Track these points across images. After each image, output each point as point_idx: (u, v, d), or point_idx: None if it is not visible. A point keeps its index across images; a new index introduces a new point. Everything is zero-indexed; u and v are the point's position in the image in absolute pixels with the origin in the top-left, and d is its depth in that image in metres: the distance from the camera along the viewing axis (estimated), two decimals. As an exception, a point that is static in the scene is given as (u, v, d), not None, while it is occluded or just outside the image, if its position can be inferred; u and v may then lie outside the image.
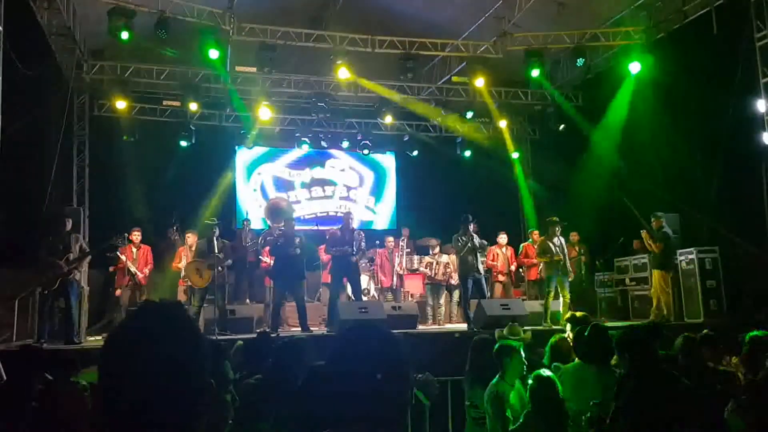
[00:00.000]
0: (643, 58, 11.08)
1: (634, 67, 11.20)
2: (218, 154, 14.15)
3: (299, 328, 9.34)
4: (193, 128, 13.10)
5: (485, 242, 10.06)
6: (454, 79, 13.02)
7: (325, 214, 14.78)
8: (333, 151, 15.16)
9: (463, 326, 9.92)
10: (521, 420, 4.04)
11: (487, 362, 4.74)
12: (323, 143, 14.40)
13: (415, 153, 14.96)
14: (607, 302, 11.84)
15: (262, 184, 14.72)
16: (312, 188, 15.05)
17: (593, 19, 11.51)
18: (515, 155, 15.12)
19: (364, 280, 11.25)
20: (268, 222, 12.20)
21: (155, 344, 1.21)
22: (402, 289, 12.16)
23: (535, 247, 10.88)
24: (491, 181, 14.87)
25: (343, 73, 11.47)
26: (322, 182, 15.13)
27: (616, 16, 11.51)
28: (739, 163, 9.58)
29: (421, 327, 10.30)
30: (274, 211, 11.85)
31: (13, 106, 8.19)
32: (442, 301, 11.66)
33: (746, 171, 9.49)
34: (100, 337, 9.55)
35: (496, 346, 4.78)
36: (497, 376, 4.58)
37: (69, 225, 8.68)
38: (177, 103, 12.84)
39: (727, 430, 3.67)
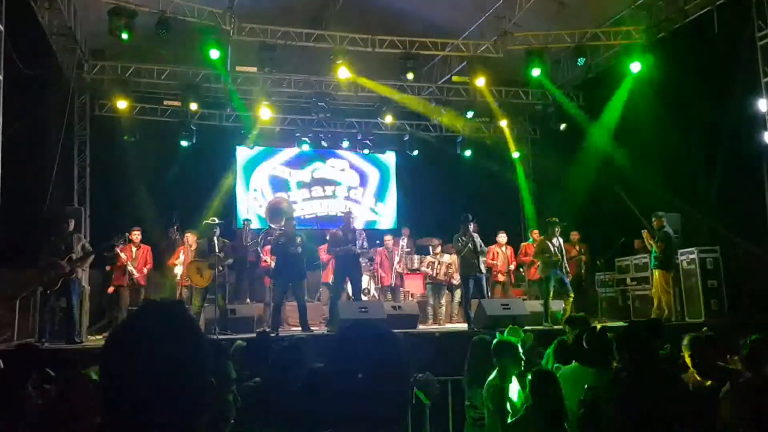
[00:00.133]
0: (644, 57, 11.07)
1: (635, 67, 11.20)
2: (219, 154, 14.15)
3: (299, 328, 9.34)
4: (193, 128, 13.11)
5: (484, 248, 10.04)
6: (455, 78, 13.02)
7: (325, 214, 14.75)
8: (336, 151, 15.13)
9: (464, 326, 9.92)
10: (521, 413, 4.06)
11: (486, 362, 4.74)
12: (323, 143, 14.39)
13: (416, 152, 14.96)
14: (608, 302, 11.84)
15: (271, 183, 14.70)
16: (312, 188, 15.03)
17: (594, 18, 11.51)
18: (516, 155, 15.12)
19: (365, 280, 11.24)
20: (269, 222, 12.20)
21: (156, 343, 1.21)
22: (402, 289, 12.15)
23: (534, 246, 10.89)
24: (491, 180, 14.87)
25: (343, 73, 11.46)
26: (323, 182, 15.10)
27: (616, 16, 11.51)
28: (740, 163, 9.58)
29: (421, 327, 10.30)
30: (275, 211, 11.84)
31: (13, 106, 8.21)
32: (443, 300, 11.66)
33: (747, 170, 9.49)
34: (100, 337, 9.56)
35: (494, 342, 4.78)
36: (495, 372, 4.59)
37: (71, 225, 8.69)
38: (177, 103, 12.86)
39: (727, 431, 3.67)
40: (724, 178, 9.76)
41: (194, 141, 13.07)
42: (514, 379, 4.48)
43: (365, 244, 10.01)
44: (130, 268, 10.12)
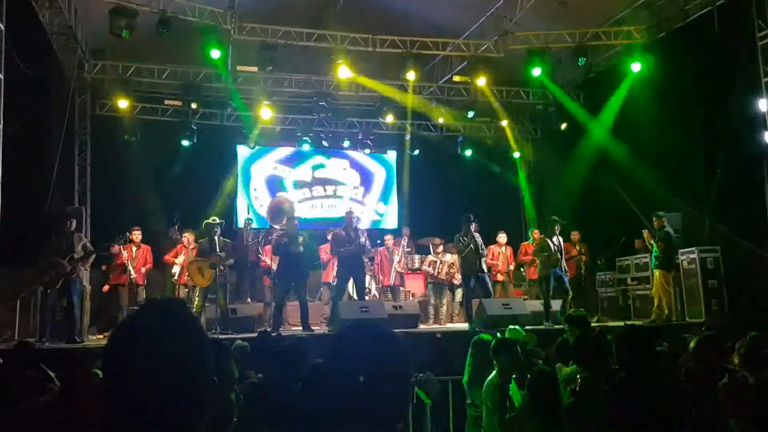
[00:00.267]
0: (645, 57, 11.08)
1: (635, 67, 11.20)
2: (219, 153, 14.15)
3: (299, 328, 9.35)
4: (194, 128, 13.13)
5: (484, 249, 10.04)
6: (455, 78, 13.01)
7: (328, 214, 14.70)
8: (338, 150, 15.11)
9: (465, 326, 9.91)
10: (518, 412, 4.08)
11: (486, 362, 4.75)
12: (324, 142, 14.39)
13: (416, 152, 14.95)
14: (609, 302, 11.85)
15: (266, 182, 14.68)
16: (313, 187, 15.01)
17: (594, 18, 11.51)
18: (516, 154, 15.13)
19: (366, 280, 11.24)
20: (270, 222, 12.20)
21: (158, 342, 1.21)
22: (403, 289, 12.15)
23: (534, 245, 10.90)
24: (492, 180, 14.87)
25: (344, 73, 11.46)
26: (324, 182, 15.08)
27: (617, 15, 11.51)
28: (740, 163, 9.58)
29: (422, 326, 10.30)
30: (276, 211, 11.84)
31: (14, 106, 8.21)
32: (444, 300, 11.66)
33: (748, 170, 9.49)
34: (101, 336, 9.57)
35: (493, 343, 4.79)
36: (494, 371, 4.60)
37: (73, 225, 8.69)
38: (178, 103, 12.86)
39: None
40: (725, 177, 9.76)
41: (195, 140, 13.09)
42: (512, 378, 4.49)
43: (368, 244, 10.00)
44: (129, 267, 10.13)
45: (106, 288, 10.38)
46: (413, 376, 4.76)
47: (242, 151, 14.50)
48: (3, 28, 7.91)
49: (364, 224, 13.69)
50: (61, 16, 9.79)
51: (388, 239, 12.23)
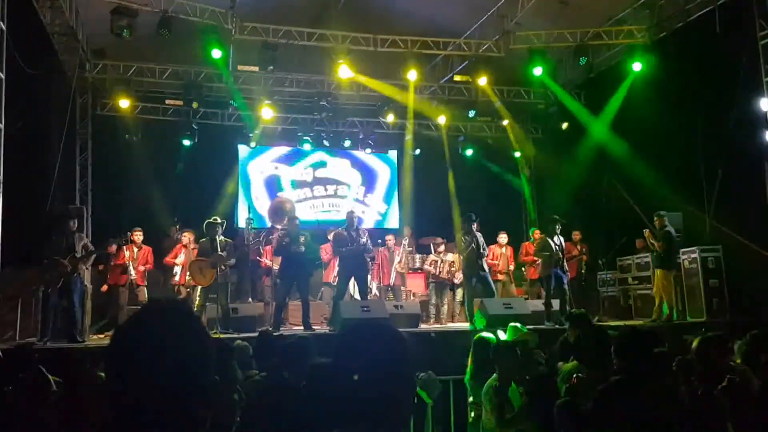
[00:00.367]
0: (646, 56, 11.07)
1: (637, 66, 11.19)
2: (220, 153, 14.15)
3: (300, 327, 9.36)
4: (195, 127, 13.13)
5: (486, 249, 10.05)
6: (456, 77, 12.99)
7: (329, 217, 14.67)
8: (340, 149, 15.10)
9: (466, 325, 9.92)
10: (517, 412, 4.08)
11: (487, 361, 4.75)
12: (325, 142, 14.39)
13: (417, 152, 14.95)
14: (610, 301, 11.85)
15: (263, 181, 14.69)
16: (314, 187, 15.00)
17: (596, 17, 11.50)
18: (517, 154, 15.12)
19: (367, 279, 11.24)
20: (271, 222, 12.21)
21: (161, 342, 1.21)
22: (404, 288, 12.15)
23: (535, 244, 10.90)
24: (493, 179, 14.86)
25: (345, 72, 11.46)
26: (325, 181, 15.07)
27: (618, 15, 11.49)
28: (741, 162, 9.57)
29: (423, 326, 10.30)
30: (278, 211, 11.85)
31: (15, 106, 8.21)
32: (445, 299, 11.66)
33: (749, 169, 9.48)
34: (102, 336, 9.58)
35: (493, 346, 4.80)
36: (495, 374, 4.61)
37: (74, 225, 8.70)
38: (179, 103, 12.85)
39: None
40: (726, 177, 9.75)
41: (196, 140, 13.09)
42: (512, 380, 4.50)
43: (370, 242, 10.00)
44: (130, 268, 10.13)
45: (104, 288, 10.39)
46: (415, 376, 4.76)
47: (243, 151, 14.50)
48: (4, 27, 7.91)
49: (367, 224, 13.72)
50: (62, 16, 9.79)
51: (390, 239, 12.23)
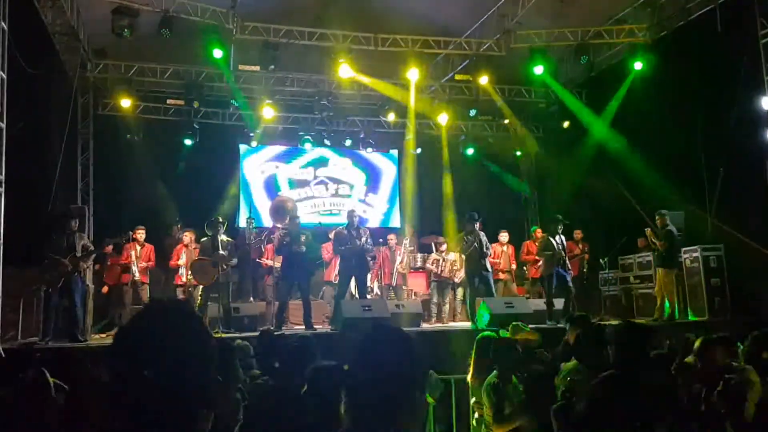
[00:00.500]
0: (647, 55, 11.06)
1: (638, 65, 11.19)
2: (222, 152, 14.16)
3: (302, 326, 9.36)
4: (196, 127, 13.14)
5: (489, 247, 10.05)
6: (457, 76, 12.99)
7: (331, 220, 14.64)
8: (341, 149, 15.09)
9: (467, 324, 9.92)
10: (515, 410, 4.09)
11: (489, 360, 4.76)
12: (326, 141, 14.39)
13: (419, 151, 14.94)
14: (612, 300, 11.84)
15: (265, 181, 14.68)
16: (315, 186, 14.99)
17: (596, 16, 11.49)
18: (518, 153, 15.10)
19: (368, 278, 11.25)
20: (272, 221, 12.21)
21: (163, 342, 1.21)
22: (405, 288, 12.15)
23: (537, 244, 10.91)
24: (494, 178, 14.85)
25: (346, 71, 11.46)
26: (327, 180, 15.06)
27: (619, 14, 11.48)
28: (743, 161, 9.56)
29: (425, 325, 10.30)
30: (279, 210, 11.85)
31: (17, 105, 8.20)
32: (447, 299, 11.66)
33: (750, 168, 9.46)
34: (104, 335, 9.59)
35: (493, 344, 4.80)
36: (494, 371, 4.62)
37: (76, 224, 8.70)
38: (181, 102, 12.86)
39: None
40: (728, 176, 9.75)
41: (197, 140, 13.11)
42: (513, 378, 4.50)
43: (370, 242, 10.00)
44: (133, 267, 10.14)
45: (105, 290, 10.40)
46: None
47: (244, 150, 14.49)
48: (5, 27, 7.91)
49: (371, 224, 13.73)
50: (64, 16, 9.79)
51: (391, 238, 12.24)
